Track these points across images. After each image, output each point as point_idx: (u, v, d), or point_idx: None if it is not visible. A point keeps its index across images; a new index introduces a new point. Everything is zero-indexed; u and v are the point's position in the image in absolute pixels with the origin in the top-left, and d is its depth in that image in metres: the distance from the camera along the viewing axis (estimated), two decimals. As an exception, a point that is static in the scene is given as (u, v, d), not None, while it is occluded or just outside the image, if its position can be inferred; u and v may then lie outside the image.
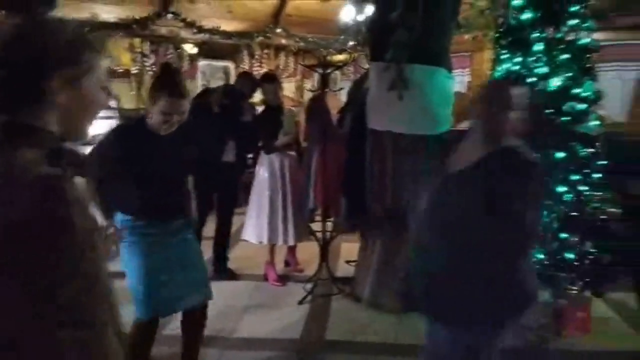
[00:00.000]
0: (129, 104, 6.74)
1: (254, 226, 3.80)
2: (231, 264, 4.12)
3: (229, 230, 4.08)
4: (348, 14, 4.48)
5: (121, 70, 6.86)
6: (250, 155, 4.27)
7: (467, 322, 1.69)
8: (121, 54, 6.90)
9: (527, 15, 2.74)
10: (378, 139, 3.29)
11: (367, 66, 3.67)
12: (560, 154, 2.72)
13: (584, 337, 3.15)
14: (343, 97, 4.66)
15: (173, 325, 3.15)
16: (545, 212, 2.82)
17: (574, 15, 2.74)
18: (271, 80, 3.92)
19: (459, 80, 8.14)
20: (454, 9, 3.01)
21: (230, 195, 4.01)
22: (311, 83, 7.65)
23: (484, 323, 1.68)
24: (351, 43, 4.68)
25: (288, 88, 8.72)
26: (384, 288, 3.37)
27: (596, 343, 3.10)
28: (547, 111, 2.70)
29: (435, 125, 3.13)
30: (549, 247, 2.89)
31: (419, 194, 3.22)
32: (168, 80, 2.14)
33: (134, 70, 7.02)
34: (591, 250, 2.89)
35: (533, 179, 1.61)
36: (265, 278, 3.95)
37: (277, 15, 7.51)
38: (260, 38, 7.71)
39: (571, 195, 2.76)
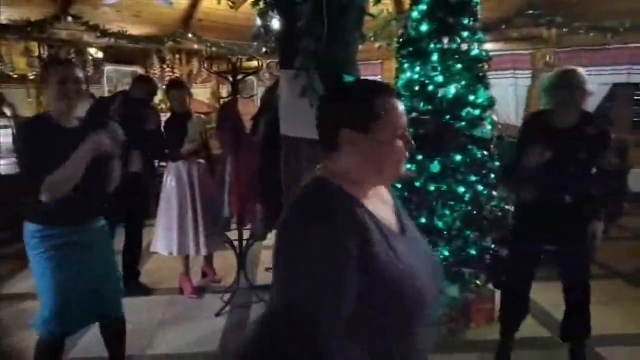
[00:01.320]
0: (26, 112, 6.24)
1: (163, 237, 3.68)
2: (144, 279, 3.96)
3: (140, 243, 3.92)
4: (266, 22, 4.49)
5: (17, 76, 6.35)
6: (164, 164, 4.13)
7: None
8: (16, 58, 6.38)
9: (424, 27, 2.92)
10: (292, 146, 3.31)
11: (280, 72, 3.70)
12: (459, 157, 2.92)
13: (490, 327, 3.38)
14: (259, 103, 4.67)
15: (80, 347, 2.98)
16: (448, 212, 3.00)
17: (466, 27, 2.95)
18: (178, 86, 3.83)
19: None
20: (358, 19, 3.12)
21: (139, 206, 3.86)
22: (227, 89, 7.55)
23: None
24: (263, 50, 4.68)
25: (202, 94, 8.55)
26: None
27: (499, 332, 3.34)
28: (446, 117, 2.88)
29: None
30: (454, 245, 3.07)
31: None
32: (57, 59, 2.08)
33: (31, 76, 6.51)
34: (491, 245, 3.11)
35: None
36: (180, 291, 3.83)
37: (187, 20, 7.35)
38: (171, 43, 7.50)
39: (470, 195, 2.96)
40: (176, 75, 7.92)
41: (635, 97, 7.58)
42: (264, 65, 5.57)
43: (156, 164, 4.15)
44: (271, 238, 3.86)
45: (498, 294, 3.51)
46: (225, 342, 3.14)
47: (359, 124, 1.10)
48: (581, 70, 2.60)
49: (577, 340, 2.82)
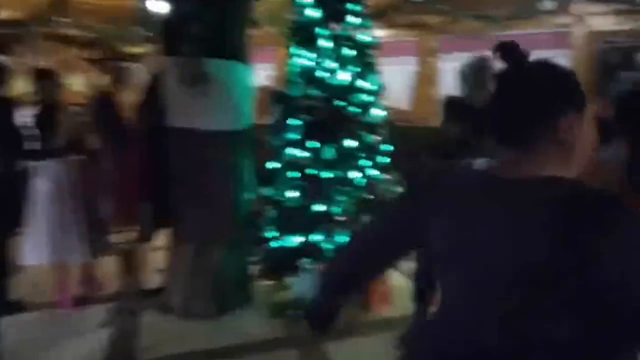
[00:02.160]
0: None
1: (33, 246, 3.26)
2: (15, 295, 3.50)
3: (5, 255, 3.44)
4: (150, 5, 4.17)
5: None
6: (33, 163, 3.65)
7: None
8: None
9: (313, 13, 2.86)
10: (181, 137, 3.11)
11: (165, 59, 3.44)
12: (352, 142, 2.92)
13: (386, 308, 3.48)
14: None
15: None
16: (344, 198, 3.00)
17: (355, 13, 2.94)
18: (47, 75, 3.39)
19: (265, 75, 8.33)
20: (247, 4, 3.00)
21: (3, 212, 3.38)
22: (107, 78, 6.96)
23: None
24: (149, 34, 4.35)
25: (79, 84, 7.83)
26: (196, 293, 3.24)
27: (396, 310, 3.45)
28: (338, 103, 2.86)
29: (239, 120, 3.10)
30: (350, 229, 3.09)
31: (225, 192, 3.19)
32: None
33: None
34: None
35: None
36: (59, 304, 3.45)
37: (58, 2, 6.64)
38: (41, 28, 6.74)
39: (364, 180, 2.99)
40: (53, 63, 7.15)
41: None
42: (151, 52, 5.21)
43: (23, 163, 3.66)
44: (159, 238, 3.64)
45: (393, 276, 3.64)
46: (114, 352, 2.88)
47: (581, 107, 0.95)
48: (487, 57, 2.76)
49: None
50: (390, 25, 7.46)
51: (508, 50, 1.04)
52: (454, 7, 6.68)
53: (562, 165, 0.94)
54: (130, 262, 3.48)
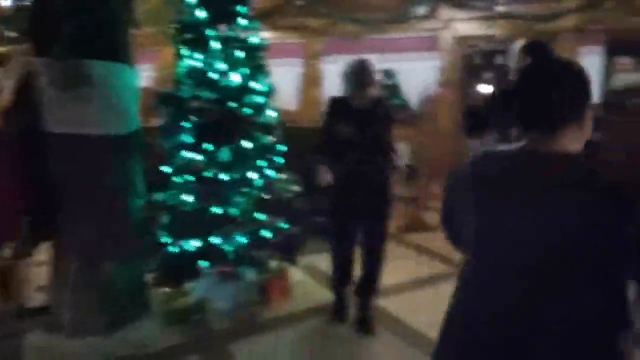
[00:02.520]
0: None
1: None
2: None
3: None
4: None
5: None
6: None
7: None
8: None
9: (201, 13, 2.84)
10: (60, 142, 2.89)
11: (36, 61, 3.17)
12: (248, 143, 2.95)
13: (286, 302, 3.58)
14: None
15: None
16: (241, 198, 3.03)
17: (243, 15, 2.97)
18: None
19: (146, 76, 7.98)
20: (126, 3, 2.88)
21: None
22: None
23: None
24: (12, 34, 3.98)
25: None
26: (86, 309, 3.04)
27: (296, 305, 3.56)
28: (230, 105, 2.87)
29: (124, 124, 2.96)
30: (249, 230, 3.13)
31: (113, 199, 3.04)
32: None
33: None
34: (283, 225, 3.26)
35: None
36: None
37: None
38: None
39: (261, 180, 3.04)
40: None
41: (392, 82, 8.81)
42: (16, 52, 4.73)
43: None
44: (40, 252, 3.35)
45: (292, 271, 3.75)
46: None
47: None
48: (368, 59, 2.97)
49: (366, 296, 3.19)
50: (275, 27, 7.57)
51: (537, 48, 1.25)
52: (332, 11, 6.97)
53: (577, 143, 1.15)
54: (7, 280, 3.16)
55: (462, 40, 7.46)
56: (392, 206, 3.11)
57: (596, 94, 6.76)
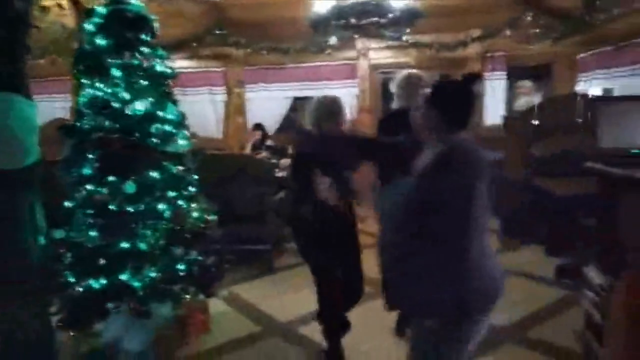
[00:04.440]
0: None
1: None
2: None
3: None
4: None
5: None
6: None
7: (426, 313, 1.75)
8: None
9: (101, 41, 2.75)
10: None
11: None
12: (154, 174, 2.86)
13: (207, 336, 3.46)
14: None
15: None
16: (150, 231, 2.91)
17: (145, 43, 2.91)
18: None
19: (61, 106, 7.61)
20: (21, 31, 2.73)
21: None
22: None
23: (442, 314, 1.71)
24: None
25: None
26: None
27: (218, 338, 3.45)
28: (134, 135, 2.78)
29: (23, 157, 2.76)
30: (160, 264, 3.00)
31: (10, 238, 2.82)
32: None
33: None
34: (197, 257, 3.16)
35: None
36: None
37: None
38: None
39: (170, 211, 2.95)
40: None
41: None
42: None
43: None
44: None
45: (211, 304, 3.64)
46: None
47: None
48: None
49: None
50: (196, 56, 7.53)
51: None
52: (251, 41, 7.05)
53: None
54: None
55: (377, 68, 7.79)
56: None
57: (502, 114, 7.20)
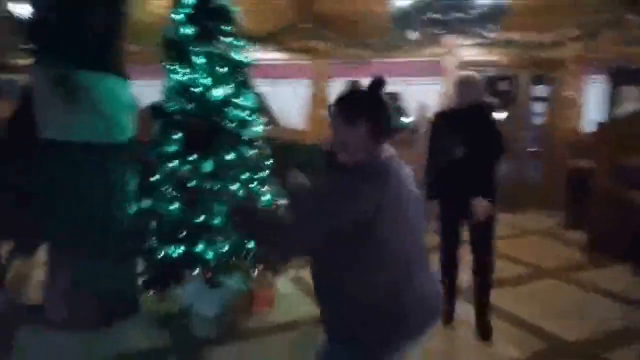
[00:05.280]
0: None
1: None
2: None
3: None
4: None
5: None
6: None
7: (343, 339, 1.59)
8: None
9: (187, 30, 3.02)
10: (54, 149, 3.07)
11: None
12: (231, 156, 3.09)
13: (271, 313, 3.63)
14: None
15: None
16: (223, 208, 3.15)
17: (227, 33, 3.15)
18: None
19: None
20: (117, 19, 3.05)
21: None
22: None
23: (358, 341, 1.55)
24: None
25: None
26: (77, 306, 3.19)
27: (280, 315, 3.60)
28: (214, 118, 3.03)
29: (112, 132, 3.11)
30: (232, 239, 3.24)
31: (103, 204, 3.20)
32: None
33: None
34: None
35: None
36: None
37: None
38: None
39: (242, 192, 3.16)
40: None
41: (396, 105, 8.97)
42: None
43: None
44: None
45: (278, 283, 3.81)
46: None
47: None
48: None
49: None
50: (284, 48, 7.80)
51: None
52: (338, 35, 7.16)
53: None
54: (3, 277, 3.33)
55: (465, 65, 7.57)
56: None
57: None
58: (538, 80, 7.88)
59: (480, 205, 2.96)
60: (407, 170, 1.65)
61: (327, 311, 1.63)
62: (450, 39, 7.24)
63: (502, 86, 8.06)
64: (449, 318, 3.34)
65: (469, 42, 7.13)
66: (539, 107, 8.05)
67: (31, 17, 2.92)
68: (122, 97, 3.08)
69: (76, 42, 2.72)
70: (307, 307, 3.77)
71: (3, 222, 3.16)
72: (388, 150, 1.61)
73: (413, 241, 1.59)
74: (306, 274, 4.32)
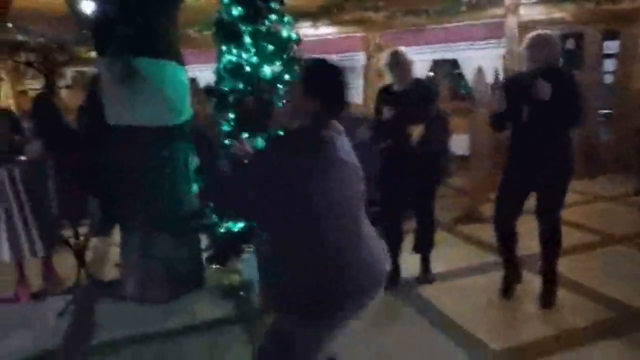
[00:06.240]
0: None
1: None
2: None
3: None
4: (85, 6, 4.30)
5: None
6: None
7: (282, 309, 1.65)
8: None
9: (235, 11, 3.08)
10: (119, 133, 3.27)
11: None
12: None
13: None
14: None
15: None
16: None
17: (276, 11, 3.17)
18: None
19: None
20: (172, 6, 3.17)
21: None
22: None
23: (296, 312, 1.57)
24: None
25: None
26: (148, 279, 3.42)
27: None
28: (266, 96, 3.09)
29: (174, 116, 3.27)
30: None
31: (167, 182, 3.38)
32: None
33: None
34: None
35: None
36: (17, 298, 3.59)
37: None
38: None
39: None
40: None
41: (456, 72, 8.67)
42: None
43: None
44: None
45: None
46: (70, 338, 3.04)
47: None
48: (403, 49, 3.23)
49: None
50: (336, 22, 7.73)
51: None
52: (388, 3, 6.99)
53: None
54: (83, 255, 3.63)
55: (527, 25, 7.14)
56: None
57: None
58: (609, 35, 7.29)
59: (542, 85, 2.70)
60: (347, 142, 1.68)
61: (270, 283, 1.69)
62: (512, -2, 6.85)
63: (569, 44, 7.55)
64: (510, 290, 3.24)
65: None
66: (609, 64, 7.48)
67: (94, 11, 3.10)
68: (181, 81, 3.21)
69: (136, 32, 2.86)
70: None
71: (80, 204, 3.43)
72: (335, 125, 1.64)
73: (350, 211, 1.60)
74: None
